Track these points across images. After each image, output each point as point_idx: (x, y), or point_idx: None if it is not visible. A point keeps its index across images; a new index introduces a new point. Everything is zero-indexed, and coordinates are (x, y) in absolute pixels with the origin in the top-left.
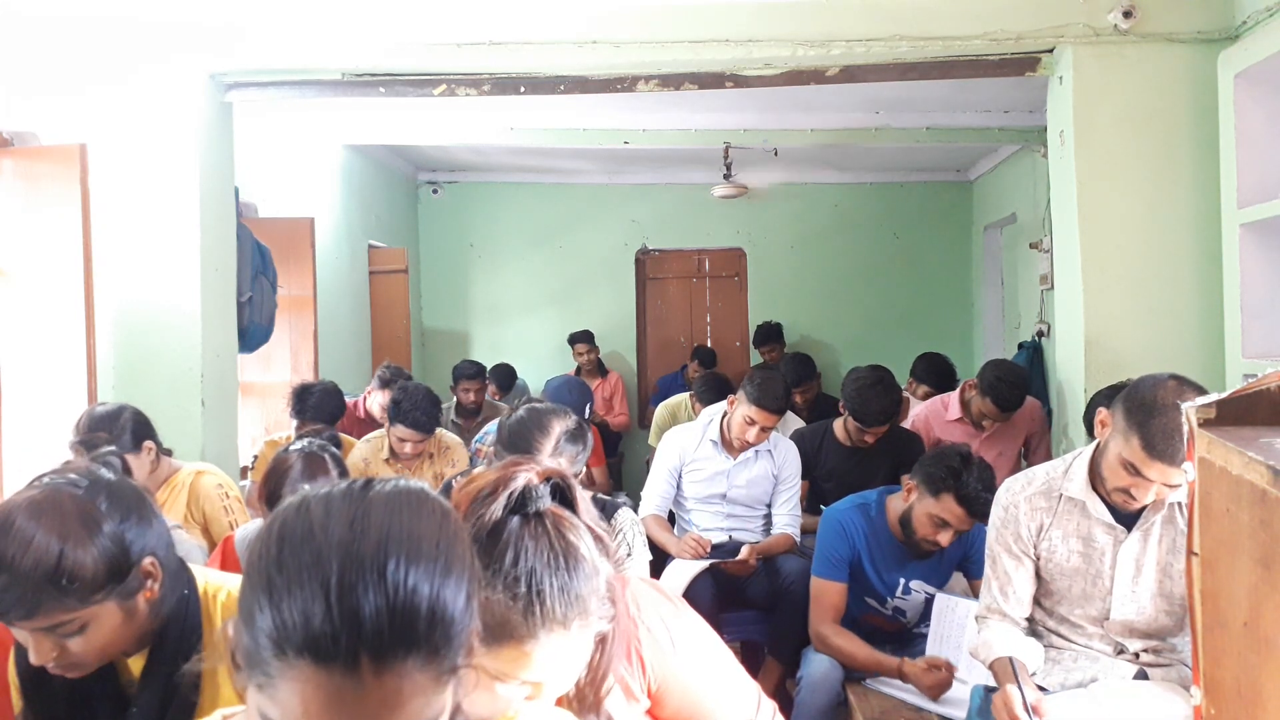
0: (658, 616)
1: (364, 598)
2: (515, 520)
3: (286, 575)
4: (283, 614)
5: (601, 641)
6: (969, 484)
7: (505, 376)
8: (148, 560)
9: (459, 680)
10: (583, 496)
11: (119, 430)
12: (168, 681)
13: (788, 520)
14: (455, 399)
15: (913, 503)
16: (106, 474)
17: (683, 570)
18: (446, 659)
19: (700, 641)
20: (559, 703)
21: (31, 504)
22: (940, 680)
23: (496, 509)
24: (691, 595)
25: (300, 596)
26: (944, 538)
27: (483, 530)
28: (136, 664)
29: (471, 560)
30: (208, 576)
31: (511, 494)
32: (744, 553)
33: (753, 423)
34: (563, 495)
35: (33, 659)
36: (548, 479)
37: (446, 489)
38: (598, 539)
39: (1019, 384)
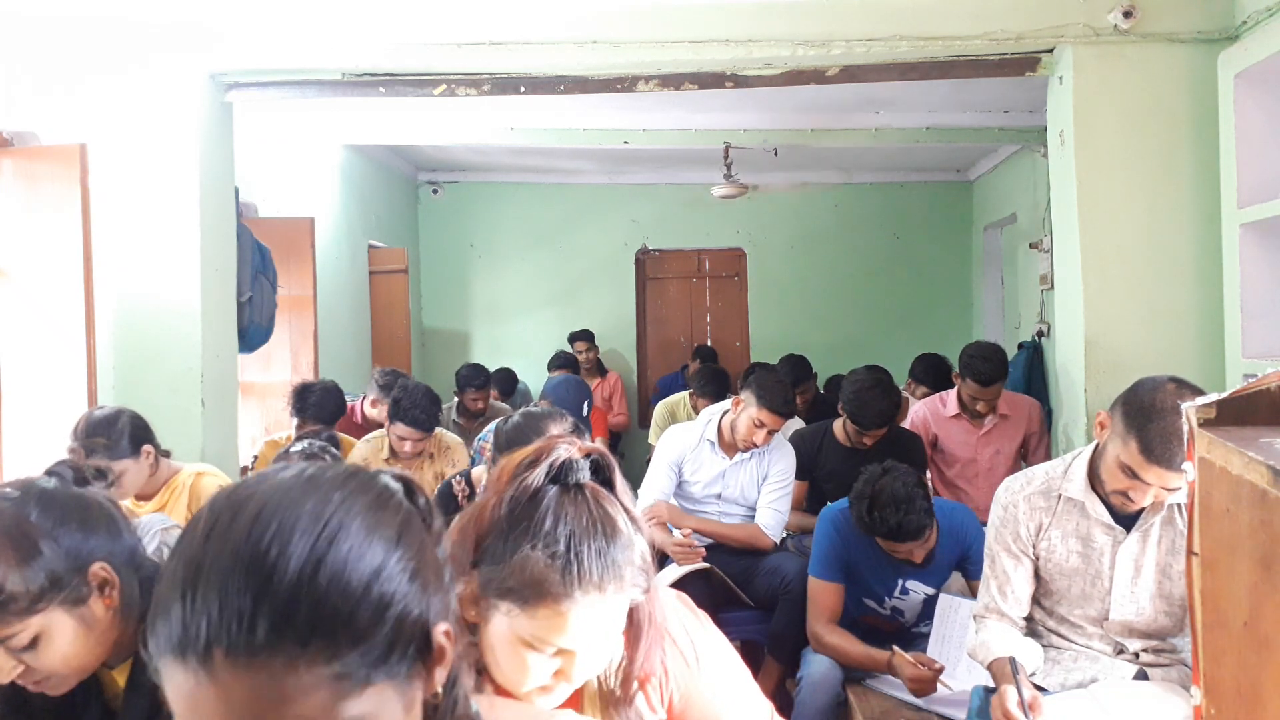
0: (682, 628)
1: (225, 582)
2: (555, 489)
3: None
4: (154, 608)
5: (633, 634)
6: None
7: (506, 381)
8: (97, 566)
9: (405, 689)
10: (620, 479)
11: (117, 435)
12: (154, 693)
13: (765, 514)
14: (456, 400)
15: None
16: (44, 483)
17: (676, 570)
18: (339, 655)
19: (721, 656)
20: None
21: None
22: (921, 677)
23: (538, 476)
24: (689, 595)
25: (165, 585)
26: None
27: (523, 495)
28: (122, 676)
29: (408, 545)
30: None
31: (553, 463)
32: (685, 531)
33: (761, 425)
34: (601, 474)
35: None
36: (588, 455)
37: (446, 488)
38: (632, 519)
39: (991, 356)
